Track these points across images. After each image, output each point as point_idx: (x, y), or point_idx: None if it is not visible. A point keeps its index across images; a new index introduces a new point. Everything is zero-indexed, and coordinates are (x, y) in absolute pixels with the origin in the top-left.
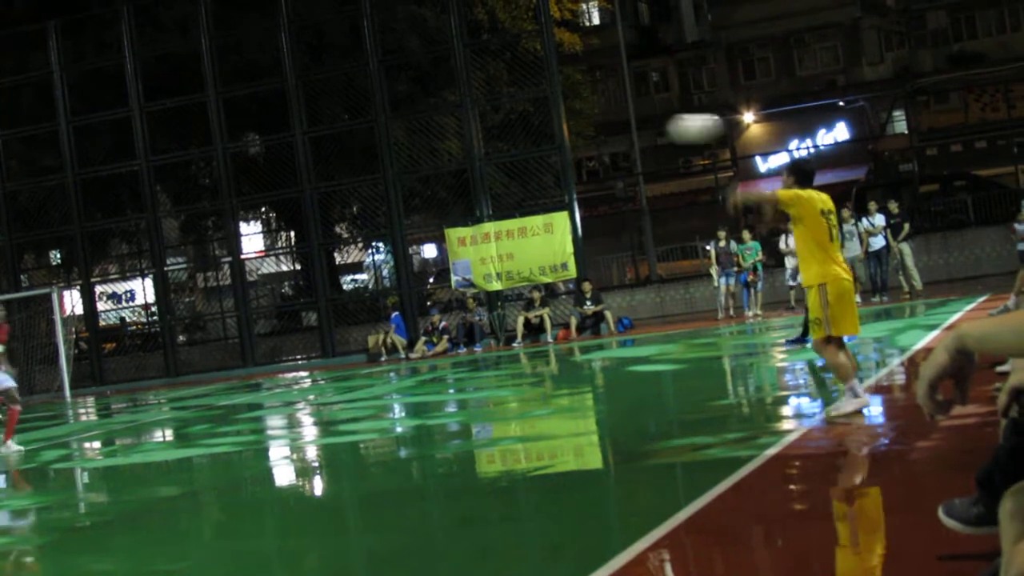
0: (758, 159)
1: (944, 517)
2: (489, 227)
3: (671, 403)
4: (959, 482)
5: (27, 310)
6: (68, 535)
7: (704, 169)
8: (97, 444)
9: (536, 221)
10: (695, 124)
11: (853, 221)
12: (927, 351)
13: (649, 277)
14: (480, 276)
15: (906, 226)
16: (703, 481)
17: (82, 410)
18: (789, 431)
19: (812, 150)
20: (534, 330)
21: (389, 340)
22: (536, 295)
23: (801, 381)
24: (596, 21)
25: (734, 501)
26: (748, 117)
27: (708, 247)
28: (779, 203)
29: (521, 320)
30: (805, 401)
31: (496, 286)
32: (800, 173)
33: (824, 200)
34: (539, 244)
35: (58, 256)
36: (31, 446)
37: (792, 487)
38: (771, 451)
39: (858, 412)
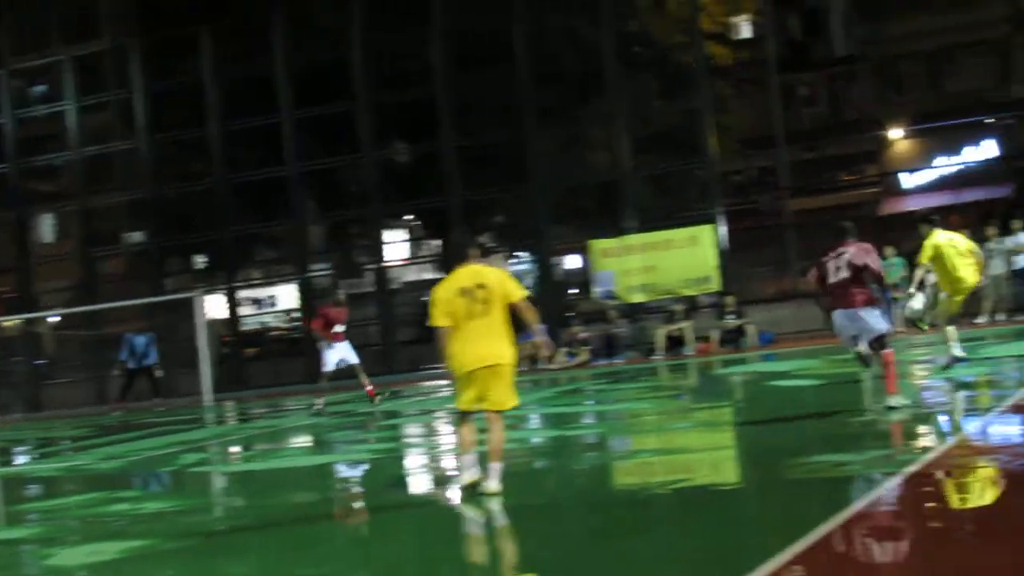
0: (904, 175)
1: None
2: (634, 239)
3: (811, 418)
4: None
5: (171, 313)
6: (206, 539)
7: (850, 185)
8: (236, 448)
9: (681, 234)
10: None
11: (997, 239)
12: None
13: (792, 292)
14: (623, 288)
15: None
16: (842, 498)
17: (223, 414)
18: (929, 448)
19: (959, 167)
20: (675, 343)
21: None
22: (678, 308)
23: (941, 399)
24: (746, 35)
25: (873, 519)
26: (896, 132)
27: None
28: None
29: (662, 333)
30: (945, 419)
31: (639, 298)
32: None
33: None
34: (683, 257)
35: (203, 260)
36: (171, 449)
37: (932, 505)
38: (911, 468)
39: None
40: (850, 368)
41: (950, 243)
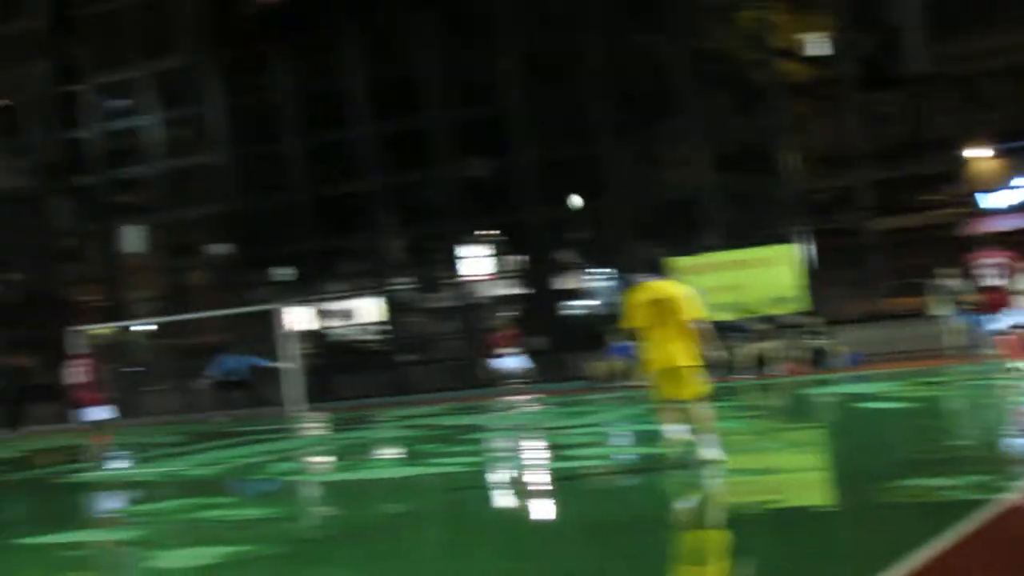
0: (987, 195)
1: None
2: (714, 257)
3: (902, 441)
4: None
5: (254, 325)
6: (298, 547)
7: (933, 204)
8: (324, 459)
9: (763, 252)
10: None
11: None
12: None
13: (880, 312)
14: (704, 306)
15: None
16: (937, 524)
17: (310, 425)
18: None
19: None
20: (761, 363)
21: (610, 367)
22: (764, 327)
23: None
24: (822, 52)
25: (971, 547)
26: (978, 151)
27: (937, 283)
28: None
29: (748, 352)
30: None
31: (720, 317)
32: None
33: None
34: (766, 276)
35: (286, 273)
36: (262, 458)
37: None
38: (1008, 496)
39: None
40: (941, 391)
41: None
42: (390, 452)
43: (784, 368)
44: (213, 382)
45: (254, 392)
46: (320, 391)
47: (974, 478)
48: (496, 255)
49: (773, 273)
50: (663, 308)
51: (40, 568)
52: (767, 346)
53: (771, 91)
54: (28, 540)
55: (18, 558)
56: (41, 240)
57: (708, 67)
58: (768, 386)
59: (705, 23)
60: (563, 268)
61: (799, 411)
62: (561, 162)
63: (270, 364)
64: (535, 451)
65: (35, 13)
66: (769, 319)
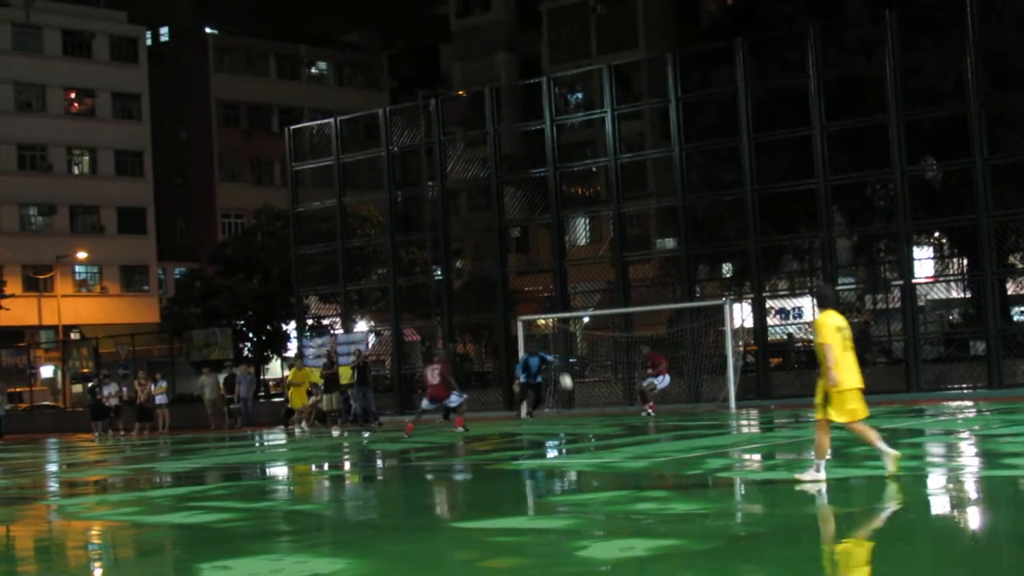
0: None
1: None
2: None
3: None
4: None
5: (698, 320)
6: (728, 543)
7: None
8: (757, 457)
9: None
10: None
11: None
12: None
13: None
14: None
15: None
16: None
17: (745, 422)
18: None
19: None
20: None
21: None
22: None
23: None
24: None
25: None
26: None
27: None
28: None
29: None
30: None
31: None
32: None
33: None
34: None
35: (731, 269)
36: (696, 453)
37: None
38: None
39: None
40: None
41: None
42: None
43: None
44: (520, 384)
45: (540, 392)
46: (756, 388)
47: None
48: (944, 257)
49: None
50: (844, 336)
51: (471, 551)
52: None
53: None
54: (462, 524)
55: (452, 541)
56: (491, 229)
57: None
58: None
59: None
60: (1012, 272)
61: None
62: (1016, 165)
63: (553, 359)
64: (971, 457)
65: (502, 6)
66: None
